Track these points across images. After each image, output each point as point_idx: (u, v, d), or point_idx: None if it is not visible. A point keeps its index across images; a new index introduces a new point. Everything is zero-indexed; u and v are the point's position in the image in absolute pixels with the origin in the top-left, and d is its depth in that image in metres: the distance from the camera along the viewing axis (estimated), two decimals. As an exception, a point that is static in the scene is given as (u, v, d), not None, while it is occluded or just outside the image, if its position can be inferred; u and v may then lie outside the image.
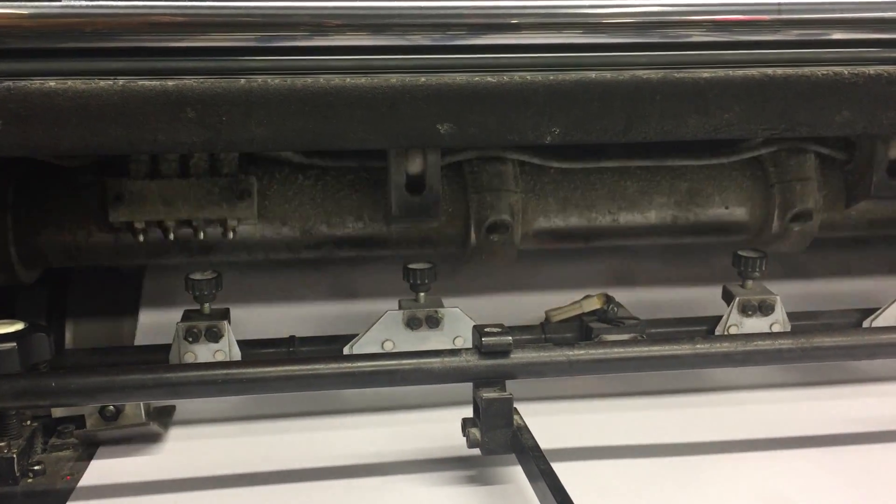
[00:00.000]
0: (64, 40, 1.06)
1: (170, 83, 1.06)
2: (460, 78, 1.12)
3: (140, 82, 1.06)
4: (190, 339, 1.31)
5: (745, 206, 1.55)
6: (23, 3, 1.03)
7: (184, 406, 1.35)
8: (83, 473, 1.19)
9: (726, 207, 1.54)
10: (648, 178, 1.52)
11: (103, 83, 1.05)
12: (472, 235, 1.47)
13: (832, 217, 1.57)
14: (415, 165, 1.37)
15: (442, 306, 1.36)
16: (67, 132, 1.06)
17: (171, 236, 1.41)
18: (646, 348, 1.21)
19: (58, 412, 1.25)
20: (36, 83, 1.04)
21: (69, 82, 1.04)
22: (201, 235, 1.42)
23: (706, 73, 1.15)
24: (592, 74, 1.14)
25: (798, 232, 1.55)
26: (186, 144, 1.10)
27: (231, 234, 1.42)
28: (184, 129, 1.08)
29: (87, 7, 1.04)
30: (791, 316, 1.44)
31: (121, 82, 1.05)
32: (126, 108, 1.06)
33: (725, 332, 1.42)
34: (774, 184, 1.53)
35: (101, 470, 1.20)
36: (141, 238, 1.40)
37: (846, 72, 1.16)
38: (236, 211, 1.40)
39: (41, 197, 1.42)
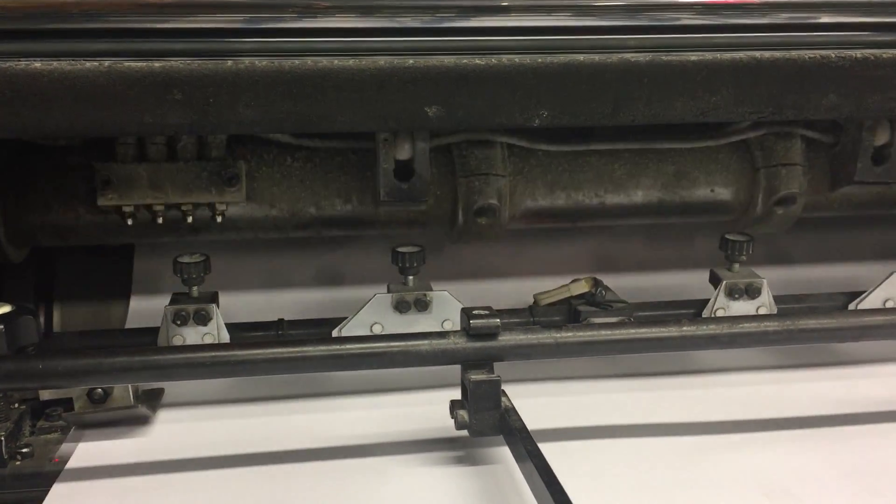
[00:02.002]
0: (50, 21, 1.06)
1: (156, 65, 1.06)
2: (448, 60, 1.11)
3: (126, 64, 1.05)
4: (178, 322, 1.31)
5: (731, 189, 1.55)
6: (8, -17, 1.02)
7: (172, 388, 1.35)
8: (71, 455, 1.19)
9: (712, 190, 1.55)
10: (636, 160, 1.52)
11: (89, 64, 1.04)
12: (460, 218, 1.47)
13: (816, 200, 1.57)
14: (403, 152, 1.37)
15: (431, 289, 1.37)
16: (53, 113, 1.06)
17: (160, 220, 1.40)
18: (632, 330, 1.22)
19: (45, 395, 1.25)
20: (21, 64, 1.03)
21: (55, 63, 1.04)
22: (189, 220, 1.41)
23: (694, 56, 1.15)
24: (581, 57, 1.14)
25: (781, 215, 1.56)
26: (173, 126, 1.10)
27: (220, 219, 1.41)
28: (171, 111, 1.08)
29: (73, -13, 1.04)
30: (778, 299, 1.45)
31: (107, 63, 1.05)
32: (112, 90, 1.05)
33: (712, 315, 1.42)
34: (760, 168, 1.53)
35: (90, 452, 1.20)
36: (130, 221, 1.39)
37: (833, 55, 1.17)
38: (225, 196, 1.39)
39: (29, 178, 1.41)
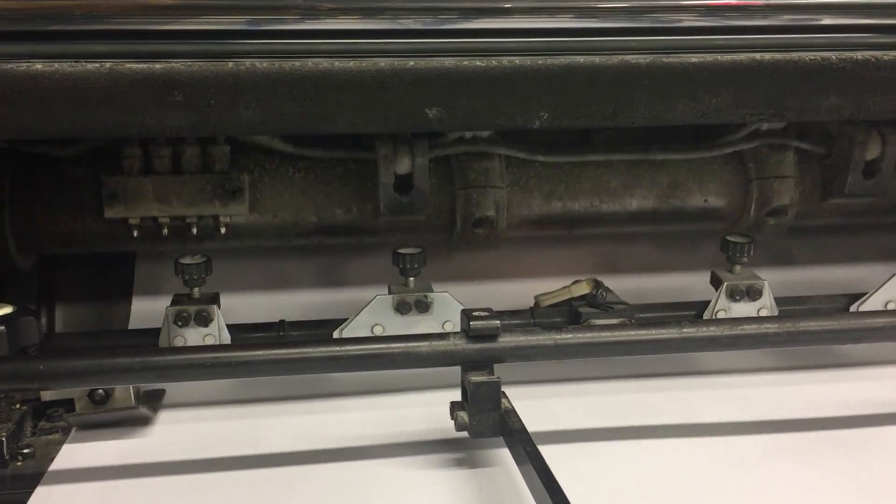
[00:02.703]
0: (51, 23, 1.06)
1: (157, 66, 1.06)
2: (449, 62, 1.12)
3: (127, 65, 1.06)
4: (179, 323, 1.31)
5: (724, 199, 1.57)
6: (9, -15, 1.03)
7: (174, 389, 1.35)
8: (69, 455, 1.19)
9: (705, 200, 1.57)
10: (631, 171, 1.54)
11: (90, 66, 1.05)
12: (458, 227, 1.49)
13: (807, 209, 1.59)
14: (403, 166, 1.39)
15: (431, 291, 1.37)
16: (55, 115, 1.06)
17: (165, 231, 1.42)
18: (632, 332, 1.21)
19: (47, 395, 1.25)
20: (23, 66, 1.04)
21: (56, 65, 1.04)
22: (194, 231, 1.43)
23: (694, 58, 1.15)
24: (581, 59, 1.14)
25: (773, 225, 1.58)
26: (174, 128, 1.10)
27: (223, 230, 1.43)
28: (171, 113, 1.08)
29: (74, -11, 1.04)
30: (779, 301, 1.45)
31: (108, 65, 1.05)
32: (113, 92, 1.06)
33: (713, 317, 1.42)
34: (753, 179, 1.55)
35: (89, 452, 1.20)
36: (135, 233, 1.41)
37: (834, 57, 1.16)
38: (228, 208, 1.42)
39: (38, 189, 1.42)
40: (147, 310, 1.54)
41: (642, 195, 1.55)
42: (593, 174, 1.53)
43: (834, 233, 1.73)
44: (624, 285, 1.54)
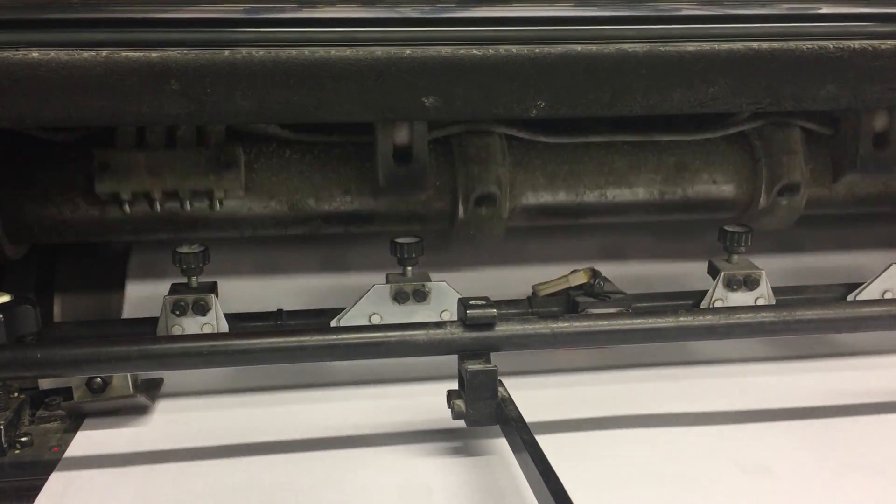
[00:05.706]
0: (47, 11, 1.06)
1: (154, 55, 1.06)
2: (446, 51, 1.12)
3: (124, 54, 1.05)
4: (177, 313, 1.31)
5: (733, 181, 1.56)
6: (4, -27, 1.03)
7: (172, 378, 1.35)
8: (70, 444, 1.19)
9: (714, 182, 1.55)
10: (636, 153, 1.53)
11: (86, 54, 1.05)
12: (460, 209, 1.47)
13: (819, 192, 1.58)
14: (402, 136, 1.38)
15: (429, 280, 1.37)
16: (51, 103, 1.06)
17: (158, 208, 1.41)
18: (629, 321, 1.22)
19: (45, 384, 1.25)
20: (19, 54, 1.04)
21: (52, 53, 1.04)
22: (188, 207, 1.41)
23: (691, 47, 1.15)
24: (578, 48, 1.14)
25: (786, 206, 1.56)
26: (171, 116, 1.10)
27: (218, 206, 1.42)
28: (168, 101, 1.08)
29: (70, -23, 1.04)
30: (777, 290, 1.45)
31: (104, 53, 1.05)
32: (110, 80, 1.06)
33: (710, 306, 1.42)
34: (761, 158, 1.54)
35: (89, 441, 1.21)
36: (127, 209, 1.40)
37: (831, 46, 1.16)
38: (223, 181, 1.40)
39: (28, 176, 1.42)
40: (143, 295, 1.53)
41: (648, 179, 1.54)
42: (597, 155, 1.53)
43: (843, 217, 1.72)
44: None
